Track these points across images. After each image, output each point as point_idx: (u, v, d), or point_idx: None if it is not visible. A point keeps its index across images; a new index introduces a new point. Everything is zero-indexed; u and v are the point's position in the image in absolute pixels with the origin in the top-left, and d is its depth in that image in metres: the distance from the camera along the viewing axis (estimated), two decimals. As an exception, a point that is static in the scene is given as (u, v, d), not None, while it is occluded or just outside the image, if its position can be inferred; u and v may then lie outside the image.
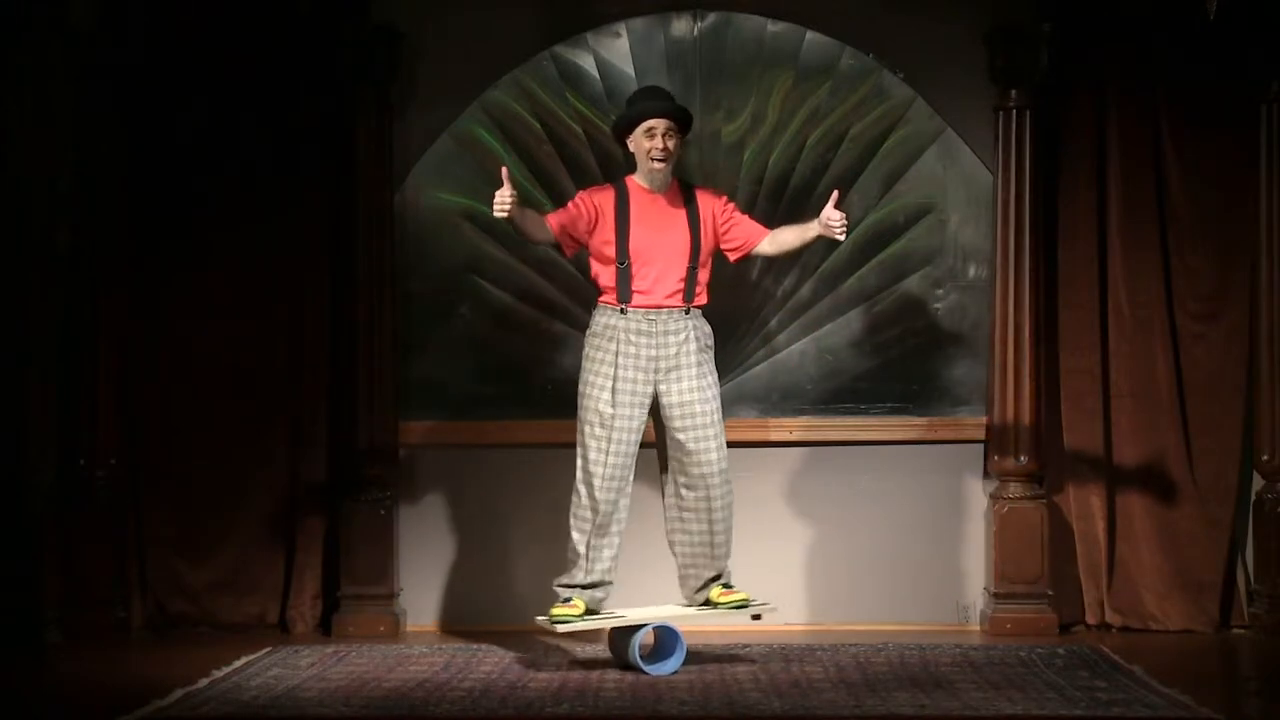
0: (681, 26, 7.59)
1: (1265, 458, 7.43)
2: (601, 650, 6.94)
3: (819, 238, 6.64)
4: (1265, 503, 7.43)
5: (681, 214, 6.65)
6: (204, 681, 6.28)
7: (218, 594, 7.54)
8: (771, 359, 7.60)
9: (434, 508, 7.61)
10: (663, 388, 6.60)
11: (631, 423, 6.59)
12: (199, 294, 7.53)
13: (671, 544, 6.74)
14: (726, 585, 6.70)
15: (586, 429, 6.60)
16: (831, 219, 6.52)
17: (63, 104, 7.33)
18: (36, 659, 6.93)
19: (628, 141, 6.67)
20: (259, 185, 7.52)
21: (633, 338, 6.59)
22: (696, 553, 6.68)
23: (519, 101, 7.58)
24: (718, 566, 6.69)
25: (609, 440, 6.56)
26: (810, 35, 7.55)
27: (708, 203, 6.70)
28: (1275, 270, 7.40)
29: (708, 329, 6.71)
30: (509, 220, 6.45)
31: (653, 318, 6.61)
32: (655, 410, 6.65)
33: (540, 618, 6.67)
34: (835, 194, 6.58)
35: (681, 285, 6.61)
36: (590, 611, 6.60)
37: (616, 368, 6.58)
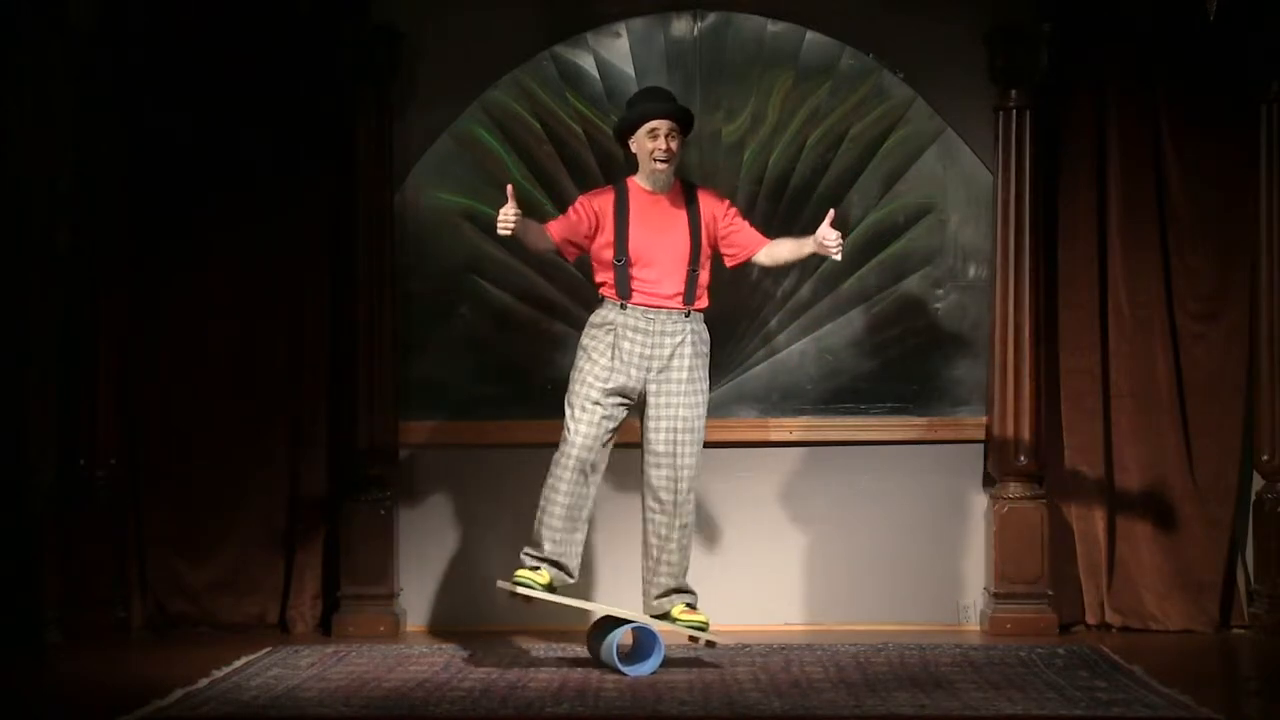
0: (681, 26, 7.59)
1: (1265, 458, 7.43)
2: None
3: (814, 254, 6.63)
4: (1265, 503, 7.43)
5: (682, 215, 6.65)
6: (204, 681, 6.28)
7: (218, 594, 7.54)
8: (771, 359, 7.60)
9: (434, 508, 7.61)
10: (651, 386, 6.60)
11: (613, 410, 6.57)
12: (199, 294, 7.53)
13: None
14: (691, 605, 6.65)
15: (570, 408, 6.58)
16: (827, 238, 6.50)
17: (63, 104, 7.33)
18: (36, 659, 6.93)
19: (630, 143, 6.66)
20: (259, 185, 7.52)
21: (629, 334, 6.59)
22: (661, 561, 6.64)
23: (519, 101, 7.58)
24: (673, 578, 6.64)
25: (590, 423, 6.54)
26: (810, 35, 7.55)
27: (709, 205, 6.70)
28: (1275, 270, 7.40)
29: (706, 335, 6.70)
30: (511, 236, 6.47)
31: (651, 316, 6.60)
32: (641, 409, 6.64)
33: (501, 582, 6.58)
34: (831, 213, 6.57)
35: (682, 287, 6.61)
36: (550, 589, 6.57)
37: (613, 358, 6.57)
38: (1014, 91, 7.40)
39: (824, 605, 7.53)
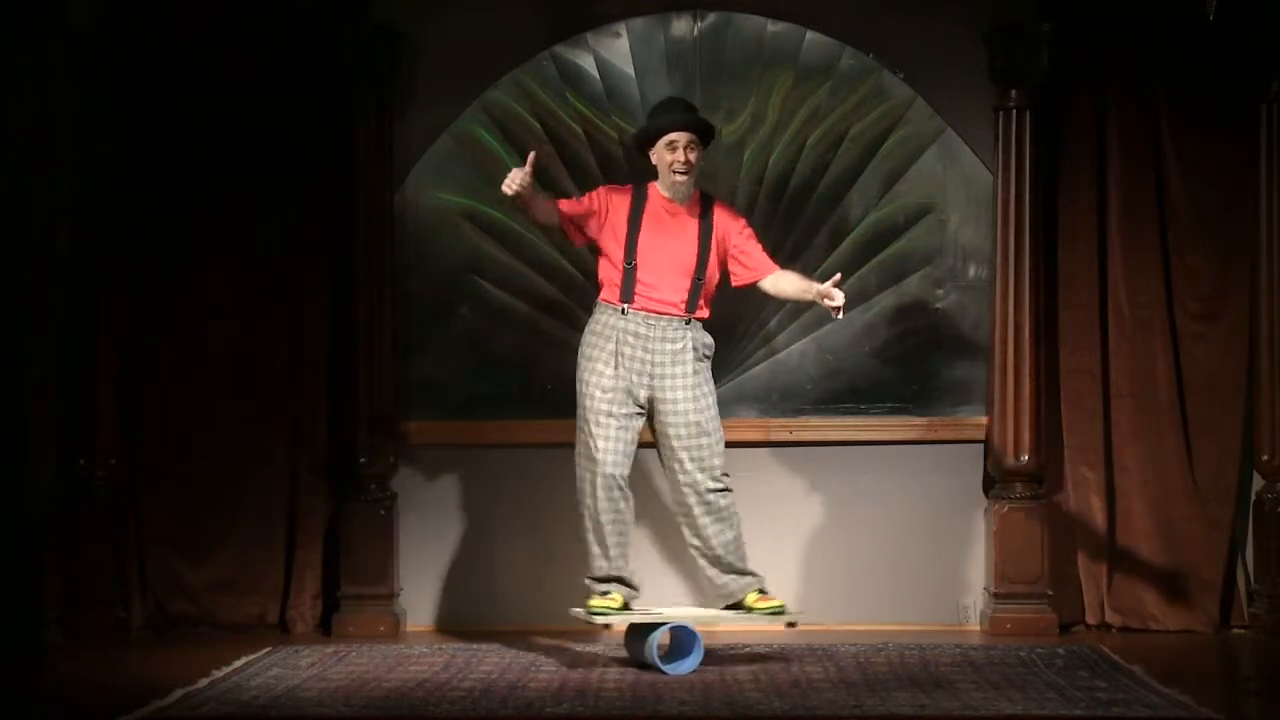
0: (681, 26, 7.59)
1: (1265, 458, 7.43)
2: (604, 649, 6.95)
3: (814, 303, 6.64)
4: (1265, 503, 7.43)
5: (694, 227, 6.66)
6: (204, 681, 6.27)
7: (218, 594, 7.54)
8: (771, 359, 7.60)
9: (434, 508, 7.61)
10: (659, 394, 6.60)
11: (628, 419, 6.59)
12: (199, 294, 7.53)
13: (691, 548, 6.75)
14: (762, 591, 6.68)
15: (586, 425, 6.61)
16: (833, 298, 6.50)
17: (63, 104, 7.33)
18: (36, 659, 6.93)
19: (650, 153, 6.67)
20: (259, 185, 7.52)
21: (630, 339, 6.60)
22: (708, 554, 6.67)
23: (519, 101, 7.58)
24: (735, 567, 6.66)
25: (606, 435, 6.57)
26: (810, 35, 7.55)
27: (724, 222, 6.70)
28: (1275, 270, 7.40)
29: (708, 339, 6.70)
30: (517, 198, 6.45)
31: (652, 322, 6.61)
32: (652, 419, 6.65)
33: (576, 610, 6.67)
34: (838, 276, 6.57)
35: (685, 296, 6.62)
36: (626, 606, 6.61)
37: (615, 365, 6.58)
38: (1014, 91, 7.40)
39: (824, 605, 7.53)
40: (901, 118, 7.56)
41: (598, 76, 7.58)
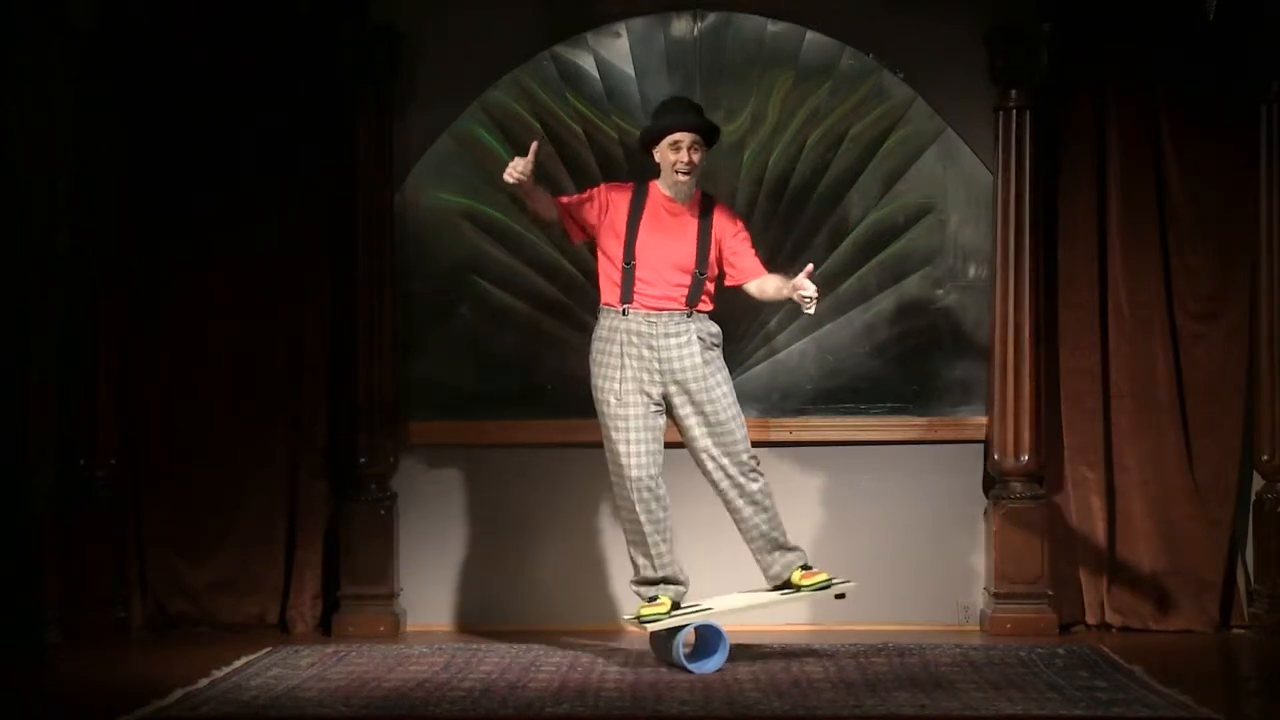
0: (681, 26, 7.59)
1: (1265, 458, 7.43)
2: (603, 648, 6.95)
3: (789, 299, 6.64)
4: (1265, 503, 7.43)
5: (694, 226, 6.68)
6: (204, 681, 6.28)
7: (218, 594, 7.54)
8: (772, 359, 7.61)
9: (434, 508, 7.61)
10: (673, 389, 6.63)
11: (647, 419, 6.61)
12: (199, 294, 7.53)
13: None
14: (805, 567, 6.73)
15: (608, 431, 6.64)
16: (802, 289, 6.49)
17: (63, 104, 7.33)
18: (36, 659, 6.93)
19: (654, 152, 6.69)
20: (259, 185, 7.52)
21: (634, 339, 6.61)
22: (756, 540, 6.71)
23: (519, 101, 7.58)
24: (778, 541, 6.70)
25: (628, 439, 6.59)
26: (810, 35, 7.55)
27: (722, 222, 6.73)
28: (1275, 270, 7.40)
29: (714, 328, 6.73)
30: (517, 187, 6.46)
31: (653, 319, 6.62)
32: (671, 414, 6.67)
33: (627, 617, 6.70)
34: (810, 267, 6.56)
35: (685, 292, 6.63)
36: (676, 606, 6.62)
37: (622, 369, 6.60)
38: (1014, 91, 7.40)
39: (824, 605, 7.51)
40: (901, 118, 7.56)
41: (598, 76, 7.58)
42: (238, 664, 6.61)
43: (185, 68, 7.50)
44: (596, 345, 6.69)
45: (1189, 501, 7.49)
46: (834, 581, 6.74)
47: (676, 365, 6.62)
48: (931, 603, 7.57)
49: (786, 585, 6.74)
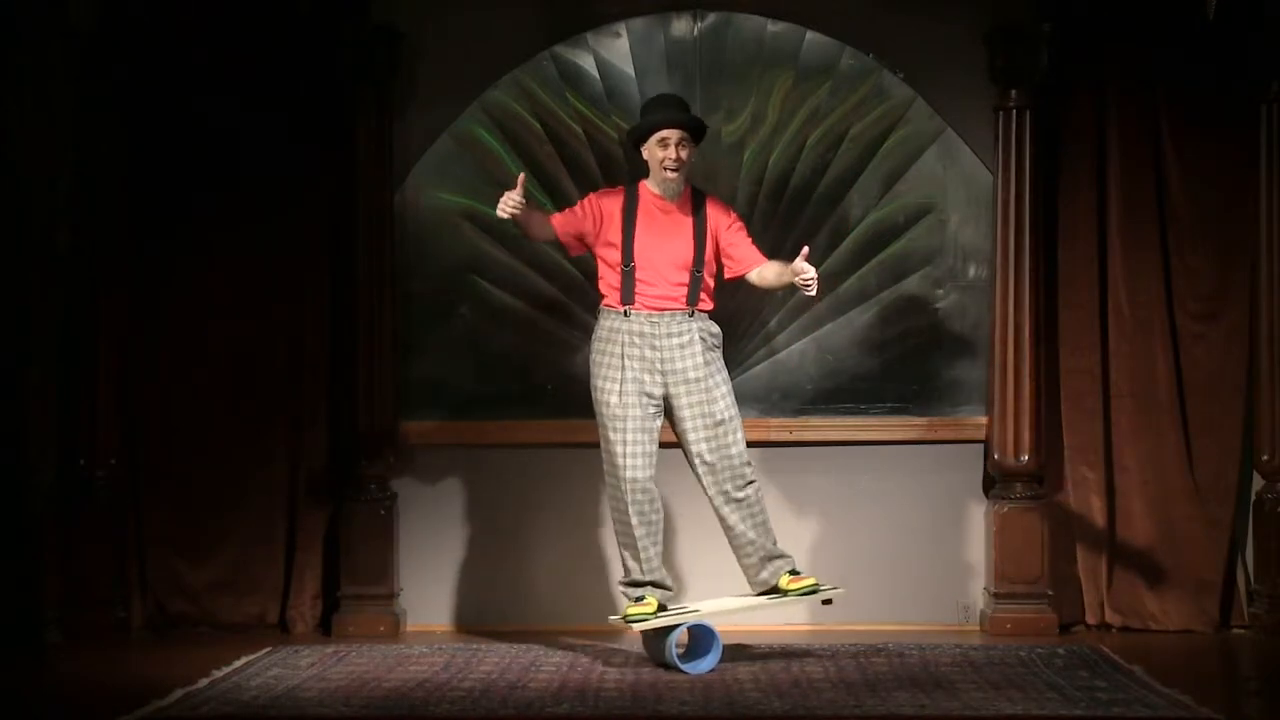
0: (681, 26, 7.59)
1: (1265, 458, 7.43)
2: (603, 649, 6.95)
3: (796, 289, 6.64)
4: (1265, 503, 7.43)
5: (688, 223, 6.68)
6: (204, 681, 6.28)
7: (218, 594, 7.54)
8: (772, 359, 7.61)
9: (434, 508, 7.61)
10: (673, 389, 6.63)
11: (645, 421, 6.61)
12: (199, 294, 7.53)
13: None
14: (794, 572, 6.71)
15: (605, 431, 6.64)
16: (802, 272, 6.51)
17: (63, 104, 7.33)
18: (36, 659, 6.93)
19: (642, 150, 6.70)
20: (259, 185, 7.52)
21: (636, 340, 6.62)
22: (744, 548, 6.69)
23: (519, 101, 7.58)
24: (766, 549, 6.68)
25: (625, 440, 6.59)
26: (810, 35, 7.55)
27: (716, 215, 6.73)
28: (1275, 270, 7.40)
29: (715, 329, 6.73)
30: (513, 219, 6.48)
31: (655, 320, 6.63)
32: (669, 414, 6.67)
33: (613, 617, 6.70)
34: (805, 249, 6.57)
35: (685, 290, 6.64)
36: (662, 608, 6.62)
37: (623, 370, 6.60)
38: (1014, 91, 7.40)
39: (824, 606, 7.51)
40: (901, 118, 7.56)
41: (598, 76, 7.58)
42: (238, 664, 6.61)
43: (185, 68, 7.50)
44: (597, 346, 6.69)
45: (1189, 501, 7.49)
46: (821, 587, 6.71)
47: (679, 365, 6.62)
48: (931, 603, 7.56)
49: (774, 590, 6.72)
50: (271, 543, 7.55)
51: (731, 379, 7.43)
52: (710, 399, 6.65)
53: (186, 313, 7.54)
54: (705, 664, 6.51)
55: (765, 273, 6.73)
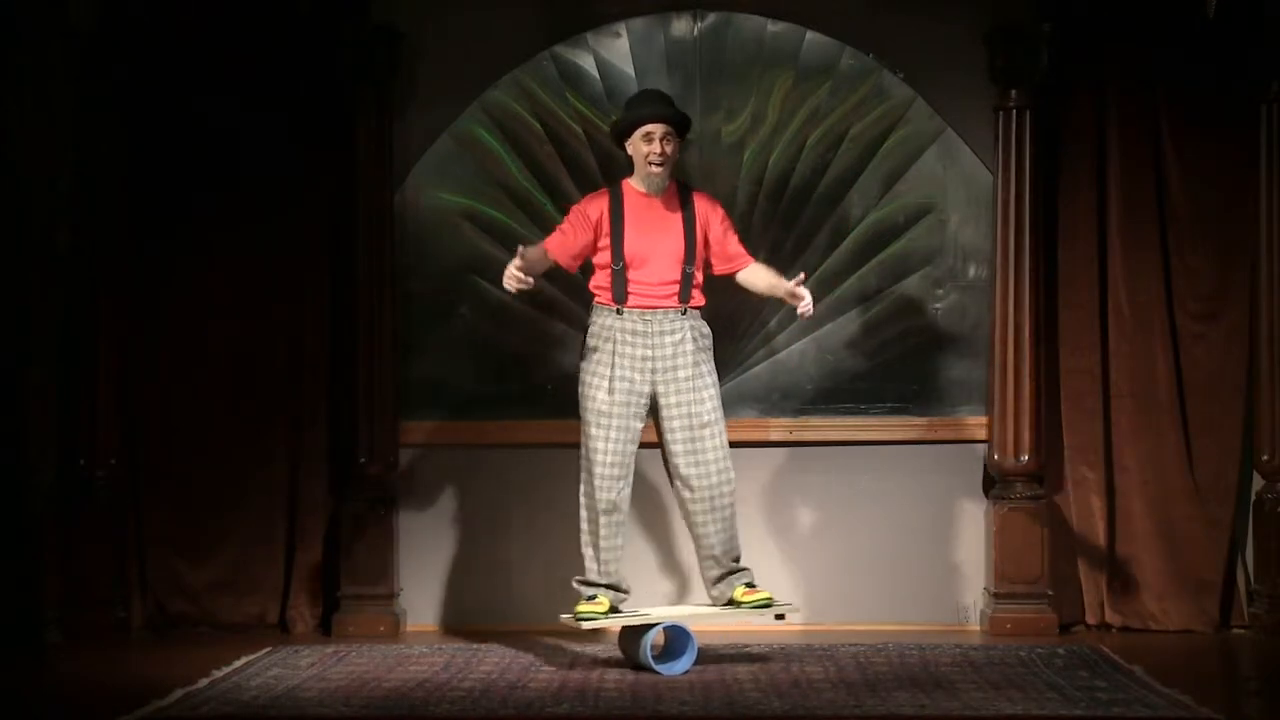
0: (681, 26, 7.59)
1: (1265, 458, 7.43)
2: (603, 650, 6.95)
3: (783, 300, 6.67)
4: (1265, 503, 7.43)
5: (676, 217, 6.67)
6: (204, 681, 6.28)
7: (218, 594, 7.54)
8: (771, 359, 7.61)
9: (434, 508, 7.61)
10: (660, 388, 6.62)
11: (629, 420, 6.60)
12: (199, 294, 7.53)
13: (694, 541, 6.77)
14: (750, 585, 6.69)
15: (587, 427, 6.62)
16: (800, 298, 6.55)
17: (63, 104, 7.33)
18: (36, 659, 6.93)
19: (626, 145, 6.68)
20: (259, 185, 7.52)
21: (628, 337, 6.61)
22: (706, 552, 6.68)
23: (519, 101, 7.58)
24: (728, 564, 6.68)
25: (607, 438, 6.58)
26: (810, 35, 7.55)
27: (704, 209, 6.72)
28: (1275, 270, 7.40)
29: (706, 329, 6.72)
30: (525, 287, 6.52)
31: (648, 318, 6.62)
32: (655, 412, 6.66)
33: (565, 615, 6.67)
34: (802, 275, 6.60)
35: (677, 286, 6.63)
36: (614, 610, 6.61)
37: (613, 367, 6.60)
38: (1014, 91, 7.40)
39: (824, 605, 7.53)
40: (901, 118, 7.56)
41: (598, 76, 7.58)
42: (238, 664, 6.61)
43: (185, 68, 7.50)
44: (588, 343, 6.67)
45: (1189, 501, 7.49)
46: (774, 602, 6.68)
47: (670, 364, 6.61)
48: (931, 603, 7.56)
49: (729, 603, 6.70)
50: (271, 543, 7.55)
51: (732, 379, 7.45)
52: (697, 399, 6.64)
53: (186, 313, 7.54)
54: (680, 665, 6.50)
55: (754, 278, 6.74)
